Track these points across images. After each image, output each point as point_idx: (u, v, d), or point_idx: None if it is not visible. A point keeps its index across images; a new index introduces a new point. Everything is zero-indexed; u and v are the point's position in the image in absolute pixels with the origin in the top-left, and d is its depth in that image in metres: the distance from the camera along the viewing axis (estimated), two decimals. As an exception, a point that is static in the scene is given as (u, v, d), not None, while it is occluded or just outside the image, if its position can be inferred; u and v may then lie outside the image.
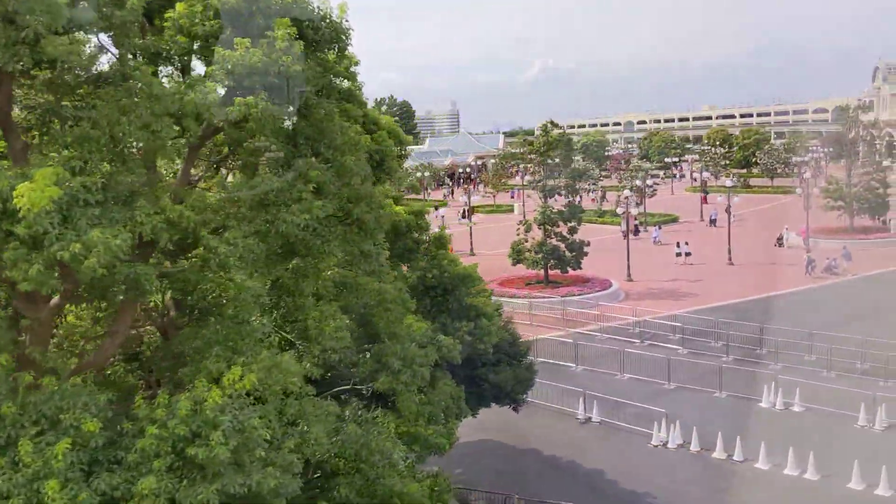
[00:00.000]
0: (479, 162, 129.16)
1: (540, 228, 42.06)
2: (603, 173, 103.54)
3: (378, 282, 11.95)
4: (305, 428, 10.40)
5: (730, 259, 49.54)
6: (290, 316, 11.16)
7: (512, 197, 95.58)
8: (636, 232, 61.97)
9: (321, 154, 10.42)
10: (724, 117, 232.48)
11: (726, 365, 29.18)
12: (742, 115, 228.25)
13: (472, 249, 59.03)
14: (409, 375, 11.69)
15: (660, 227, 62.80)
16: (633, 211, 52.52)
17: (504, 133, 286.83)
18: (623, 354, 30.07)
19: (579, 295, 40.51)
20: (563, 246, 41.61)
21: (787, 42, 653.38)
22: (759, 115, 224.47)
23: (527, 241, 42.34)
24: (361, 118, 13.41)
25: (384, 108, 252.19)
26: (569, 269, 41.68)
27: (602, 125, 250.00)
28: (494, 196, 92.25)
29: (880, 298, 39.77)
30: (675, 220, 71.27)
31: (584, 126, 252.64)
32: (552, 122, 44.18)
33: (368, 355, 11.83)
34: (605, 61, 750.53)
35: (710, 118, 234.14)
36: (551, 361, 31.37)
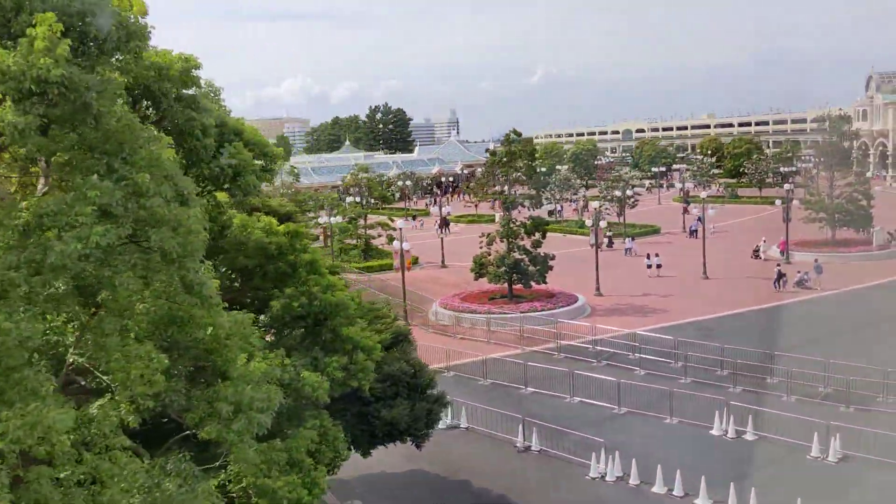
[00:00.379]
0: (468, 171, 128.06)
1: (502, 241, 40.69)
2: (591, 182, 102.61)
3: (214, 315, 10.49)
4: (99, 489, 8.99)
5: (705, 272, 48.04)
6: (95, 359, 9.69)
7: (492, 207, 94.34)
8: (610, 244, 60.58)
9: (116, 170, 9.01)
10: (723, 126, 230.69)
11: (682, 388, 27.65)
12: (740, 125, 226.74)
13: (443, 261, 57.66)
14: (243, 423, 10.23)
15: (633, 239, 61.30)
16: (603, 223, 51.02)
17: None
18: (573, 376, 28.54)
19: (541, 311, 39.04)
20: (526, 259, 40.22)
21: (790, 50, 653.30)
22: (757, 124, 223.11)
23: (489, 255, 40.98)
24: (216, 128, 12.00)
25: (378, 115, 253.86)
26: (532, 283, 40.26)
27: (601, 133, 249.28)
28: (476, 206, 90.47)
29: (848, 316, 38.32)
30: (656, 231, 69.85)
31: (582, 134, 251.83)
32: (514, 132, 42.82)
33: (199, 400, 10.37)
34: (608, 68, 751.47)
35: (708, 127, 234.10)
36: (501, 382, 29.94)
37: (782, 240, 53.90)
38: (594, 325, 35.74)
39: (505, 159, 41.56)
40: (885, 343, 32.30)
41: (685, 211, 72.57)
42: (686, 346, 31.55)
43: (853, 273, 47.53)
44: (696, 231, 65.09)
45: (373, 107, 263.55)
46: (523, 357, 32.11)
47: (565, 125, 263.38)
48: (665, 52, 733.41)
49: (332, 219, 57.29)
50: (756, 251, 54.50)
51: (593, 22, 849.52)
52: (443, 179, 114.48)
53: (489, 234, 41.67)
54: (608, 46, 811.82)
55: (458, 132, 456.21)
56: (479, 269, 40.98)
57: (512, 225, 40.51)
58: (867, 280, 45.52)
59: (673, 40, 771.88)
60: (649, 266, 50.05)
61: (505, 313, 38.81)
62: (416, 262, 56.56)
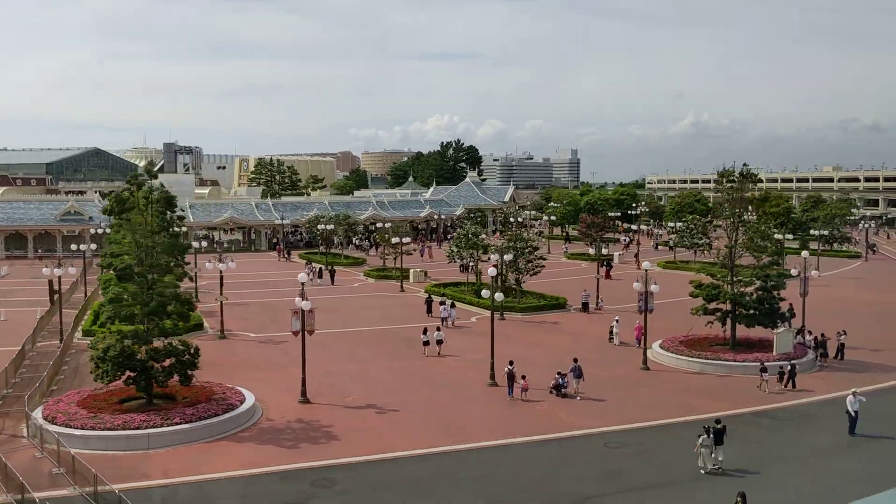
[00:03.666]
0: (476, 215, 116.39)
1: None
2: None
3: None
4: None
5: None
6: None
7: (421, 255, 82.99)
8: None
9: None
10: (848, 181, 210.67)
11: None
12: (867, 179, 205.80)
13: (222, 331, 46.06)
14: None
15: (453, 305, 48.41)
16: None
17: (583, 184, 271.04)
18: None
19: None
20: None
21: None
22: (886, 179, 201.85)
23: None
24: None
25: (451, 152, 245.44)
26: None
27: (715, 181, 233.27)
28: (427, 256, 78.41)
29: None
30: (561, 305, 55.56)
31: (696, 181, 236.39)
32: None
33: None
34: (765, 119, 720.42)
35: (831, 180, 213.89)
36: None
37: (637, 324, 40.03)
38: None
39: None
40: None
41: (606, 275, 58.68)
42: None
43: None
44: (586, 304, 51.88)
45: (444, 143, 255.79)
46: None
47: (679, 172, 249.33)
48: (828, 106, 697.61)
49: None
50: (611, 334, 41.38)
51: (758, 72, 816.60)
52: (426, 223, 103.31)
53: None
54: (768, 98, 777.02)
55: (578, 173, 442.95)
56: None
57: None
58: (654, 416, 30.70)
59: (841, 94, 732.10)
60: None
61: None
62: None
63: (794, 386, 34.49)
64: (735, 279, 39.78)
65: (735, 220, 40.41)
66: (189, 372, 28.94)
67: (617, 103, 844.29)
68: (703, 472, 24.70)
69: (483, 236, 60.46)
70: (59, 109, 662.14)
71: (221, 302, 44.11)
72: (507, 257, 50.61)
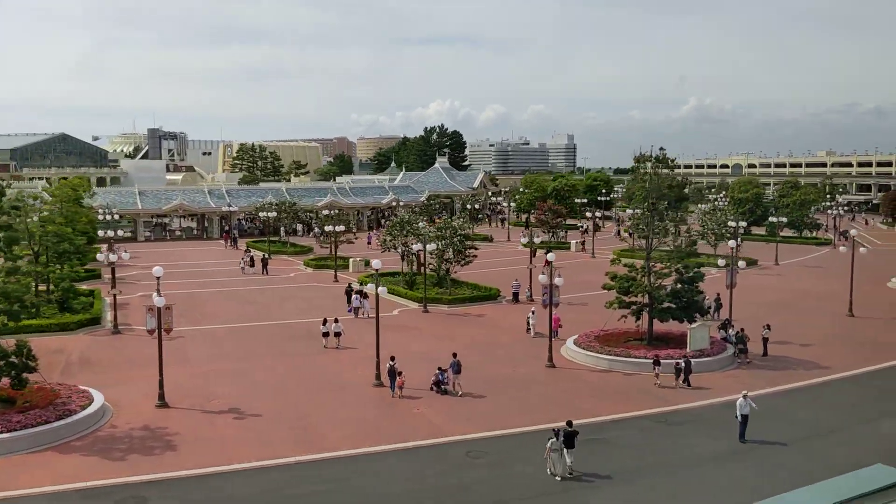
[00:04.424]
0: (444, 202, 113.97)
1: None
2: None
3: None
4: None
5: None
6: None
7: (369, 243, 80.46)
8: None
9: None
10: (841, 165, 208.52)
11: None
12: (860, 164, 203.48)
13: (116, 325, 43.77)
14: None
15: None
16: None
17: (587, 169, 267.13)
18: None
19: None
20: None
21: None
22: (878, 164, 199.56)
23: None
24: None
25: (434, 137, 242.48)
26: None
27: (709, 167, 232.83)
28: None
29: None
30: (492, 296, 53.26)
31: (690, 166, 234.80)
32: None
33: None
34: (769, 103, 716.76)
35: (824, 165, 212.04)
36: None
37: (555, 315, 37.78)
38: None
39: None
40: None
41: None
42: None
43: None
44: (516, 294, 49.61)
45: (428, 128, 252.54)
46: None
47: (678, 157, 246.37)
48: (831, 90, 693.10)
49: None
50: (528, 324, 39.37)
51: (761, 56, 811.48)
52: (389, 210, 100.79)
53: None
54: (771, 82, 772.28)
55: (574, 158, 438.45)
56: None
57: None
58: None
59: (843, 78, 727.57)
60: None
61: None
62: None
63: (688, 384, 32.37)
64: (653, 271, 37.49)
65: (650, 207, 38.06)
66: (23, 375, 26.59)
67: (619, 88, 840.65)
68: (557, 478, 22.67)
69: (423, 224, 57.89)
70: (56, 94, 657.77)
71: (115, 295, 41.69)
72: (430, 247, 48.24)
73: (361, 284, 52.37)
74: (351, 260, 65.04)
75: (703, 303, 38.69)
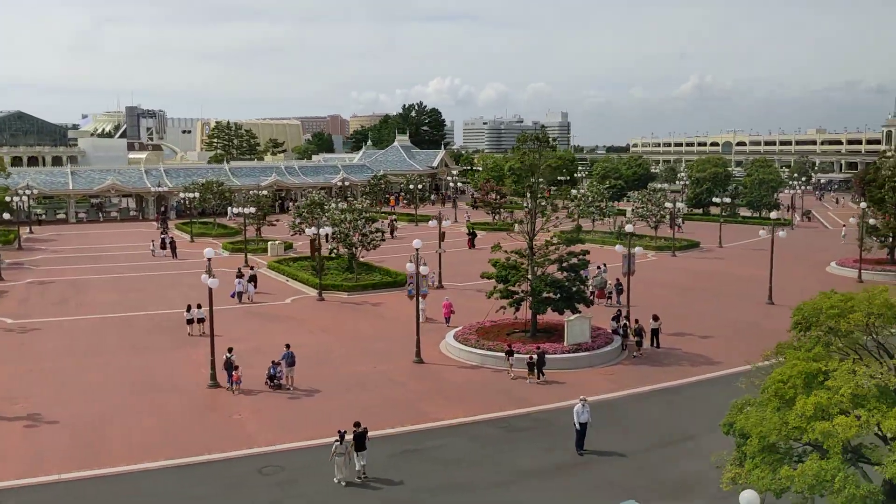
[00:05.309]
0: (399, 182, 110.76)
1: None
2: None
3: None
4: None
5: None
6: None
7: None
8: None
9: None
10: (830, 143, 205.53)
11: None
12: (849, 142, 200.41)
13: None
14: None
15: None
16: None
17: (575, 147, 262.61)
18: None
19: None
20: None
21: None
22: (868, 142, 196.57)
23: None
24: None
25: (413, 115, 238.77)
26: None
27: (699, 145, 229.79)
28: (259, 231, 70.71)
29: None
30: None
31: (680, 144, 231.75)
32: None
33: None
34: (770, 80, 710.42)
35: (814, 143, 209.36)
36: None
37: (445, 301, 34.56)
38: None
39: None
40: None
41: (469, 243, 53.06)
42: None
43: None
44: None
45: (406, 105, 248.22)
46: None
47: (664, 135, 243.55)
48: (832, 67, 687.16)
49: None
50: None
51: (762, 33, 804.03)
52: (340, 189, 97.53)
53: None
54: (772, 60, 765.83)
55: (568, 137, 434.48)
56: None
57: None
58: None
59: (845, 55, 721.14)
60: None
61: None
62: None
63: (540, 376, 29.90)
64: (534, 259, 34.65)
65: (534, 188, 35.15)
66: None
67: (619, 66, 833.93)
68: (342, 483, 20.51)
69: (334, 206, 54.79)
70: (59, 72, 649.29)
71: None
72: (325, 230, 45.28)
73: (253, 269, 49.42)
74: (269, 243, 62.07)
75: (589, 292, 35.84)
